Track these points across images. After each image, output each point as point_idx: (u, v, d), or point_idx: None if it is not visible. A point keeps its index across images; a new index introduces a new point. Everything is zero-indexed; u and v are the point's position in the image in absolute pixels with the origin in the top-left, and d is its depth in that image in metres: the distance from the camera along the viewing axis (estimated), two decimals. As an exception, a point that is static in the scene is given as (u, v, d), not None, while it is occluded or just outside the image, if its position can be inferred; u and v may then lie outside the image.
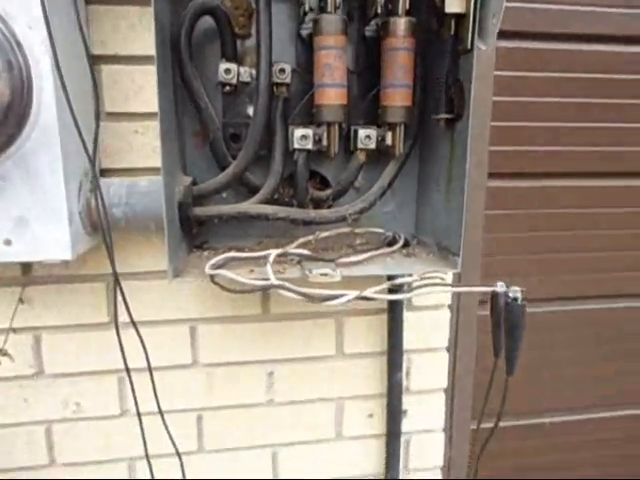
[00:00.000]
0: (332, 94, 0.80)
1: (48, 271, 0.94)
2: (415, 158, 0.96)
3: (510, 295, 0.66)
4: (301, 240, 0.85)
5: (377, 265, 0.83)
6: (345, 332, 1.06)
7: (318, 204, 0.93)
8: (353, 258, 0.82)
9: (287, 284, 0.71)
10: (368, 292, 0.66)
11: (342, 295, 0.66)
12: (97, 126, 0.71)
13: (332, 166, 0.94)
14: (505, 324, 0.69)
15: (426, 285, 0.67)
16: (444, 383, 1.13)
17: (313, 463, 1.12)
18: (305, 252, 0.82)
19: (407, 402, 1.12)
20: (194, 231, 0.87)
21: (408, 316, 1.06)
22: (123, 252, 0.94)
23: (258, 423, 1.07)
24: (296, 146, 0.84)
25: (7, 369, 0.97)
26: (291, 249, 0.81)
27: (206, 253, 0.90)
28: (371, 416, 1.12)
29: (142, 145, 0.91)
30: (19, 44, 0.69)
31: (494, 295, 0.70)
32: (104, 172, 0.91)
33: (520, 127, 1.33)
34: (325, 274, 0.74)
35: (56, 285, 0.94)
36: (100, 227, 0.73)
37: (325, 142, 0.84)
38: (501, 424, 0.77)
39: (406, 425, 1.13)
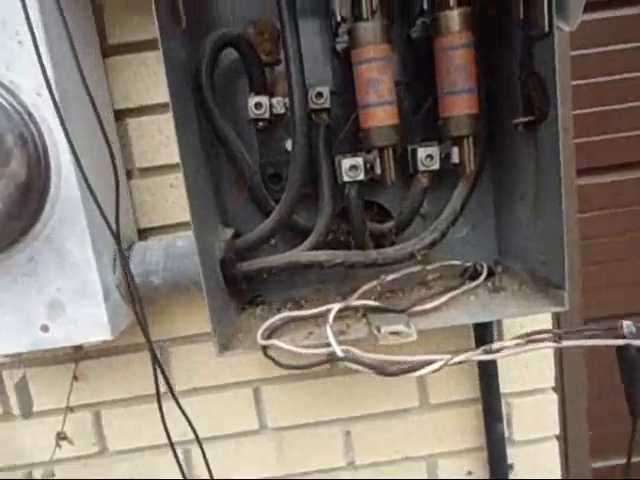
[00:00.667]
0: (380, 114, 0.67)
1: (98, 344, 0.88)
2: (487, 171, 0.80)
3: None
4: (364, 288, 0.72)
5: (459, 310, 0.68)
6: (428, 378, 0.91)
7: (379, 239, 0.80)
8: (429, 305, 0.68)
9: (354, 352, 0.58)
10: (459, 358, 0.52)
11: (426, 363, 0.52)
12: (117, 195, 0.63)
13: (391, 194, 0.81)
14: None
15: (531, 342, 0.51)
16: (555, 429, 0.94)
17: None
18: (370, 303, 0.69)
19: (512, 455, 0.94)
20: (243, 288, 0.77)
21: (501, 355, 0.90)
22: (171, 315, 0.87)
23: (340, 490, 0.95)
24: (346, 179, 0.72)
25: (70, 449, 0.92)
26: (353, 301, 0.69)
27: (259, 310, 0.80)
28: (470, 474, 0.95)
29: (178, 198, 0.83)
30: (30, 114, 0.63)
31: (621, 347, 0.53)
32: (142, 232, 0.84)
33: (608, 112, 1.13)
34: (397, 332, 0.61)
35: (107, 358, 0.88)
36: (132, 301, 0.64)
37: (379, 170, 0.72)
38: None
39: (514, 482, 0.95)
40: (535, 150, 0.66)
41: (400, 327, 0.62)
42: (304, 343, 0.64)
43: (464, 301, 0.71)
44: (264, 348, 0.63)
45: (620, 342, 0.51)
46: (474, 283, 0.75)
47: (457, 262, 0.80)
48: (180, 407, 0.72)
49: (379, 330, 0.62)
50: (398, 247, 0.74)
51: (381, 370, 0.54)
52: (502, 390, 0.91)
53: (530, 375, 0.91)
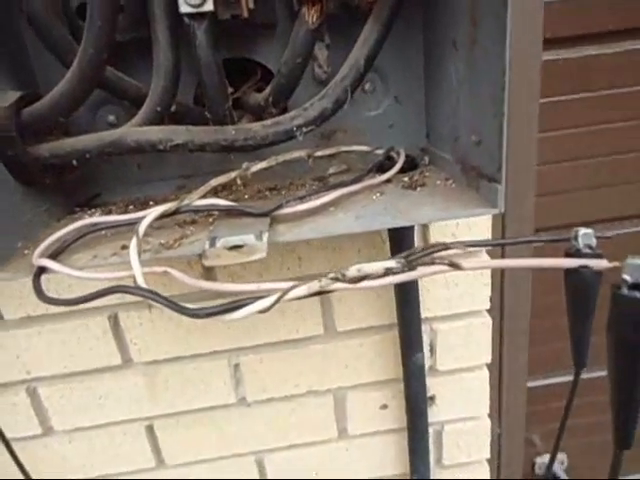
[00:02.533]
0: None
1: None
2: (416, 16, 0.55)
3: (627, 278, 0.28)
4: (216, 181, 0.49)
5: (349, 214, 0.46)
6: (334, 301, 0.73)
7: (258, 115, 0.56)
8: (305, 205, 0.45)
9: (178, 277, 0.37)
10: (300, 289, 0.31)
11: (251, 299, 0.31)
12: None
13: (274, 46, 0.56)
14: (614, 331, 0.33)
15: (436, 262, 0.30)
16: (486, 357, 0.79)
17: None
18: (220, 202, 0.46)
19: (434, 385, 0.80)
20: (47, 182, 0.52)
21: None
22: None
23: (232, 430, 0.79)
24: (184, 9, 0.46)
25: None
26: (195, 201, 0.46)
27: (88, 216, 0.56)
28: (385, 407, 0.81)
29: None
30: None
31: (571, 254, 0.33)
32: None
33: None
34: (239, 246, 0.39)
35: None
36: None
37: (232, -8, 0.45)
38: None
39: (435, 414, 0.82)
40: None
41: (246, 238, 0.40)
42: (106, 262, 0.42)
43: (363, 201, 0.49)
44: (39, 271, 0.41)
45: (568, 263, 0.30)
46: (382, 176, 0.52)
47: (364, 147, 0.57)
48: None
49: (213, 243, 0.40)
50: (269, 122, 0.50)
51: (184, 310, 0.32)
52: (425, 314, 0.73)
53: (460, 295, 0.73)
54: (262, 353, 0.75)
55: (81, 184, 0.61)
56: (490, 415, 0.84)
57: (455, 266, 0.28)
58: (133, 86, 0.52)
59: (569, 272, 0.35)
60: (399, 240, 0.63)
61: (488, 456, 0.87)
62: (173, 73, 0.50)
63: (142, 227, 0.41)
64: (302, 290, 0.30)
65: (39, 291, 0.38)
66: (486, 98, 0.42)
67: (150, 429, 0.79)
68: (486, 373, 0.80)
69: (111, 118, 0.60)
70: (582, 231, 0.37)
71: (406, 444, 0.81)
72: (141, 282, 0.36)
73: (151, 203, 0.59)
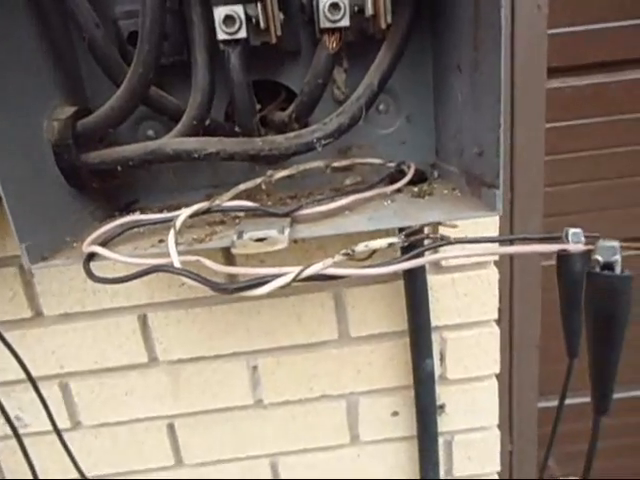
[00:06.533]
0: None
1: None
2: (426, 40, 0.61)
3: (599, 258, 0.33)
4: (242, 186, 0.54)
5: (362, 216, 0.51)
6: (348, 308, 0.77)
7: (282, 131, 0.62)
8: (323, 207, 0.51)
9: (203, 262, 0.42)
10: (316, 266, 0.35)
11: (271, 277, 0.36)
12: None
13: (297, 70, 0.62)
14: (589, 307, 0.36)
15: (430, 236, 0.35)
16: (495, 367, 0.81)
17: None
18: (245, 203, 0.51)
19: (444, 394, 0.82)
20: (94, 186, 0.59)
21: (436, 281, 0.75)
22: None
23: (248, 432, 0.83)
24: (222, 37, 0.53)
25: None
26: (224, 202, 0.51)
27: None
28: (396, 414, 0.84)
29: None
30: None
31: (563, 256, 0.37)
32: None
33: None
34: (263, 239, 0.44)
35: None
36: None
37: (263, 23, 0.52)
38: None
39: (445, 423, 0.84)
40: (474, -8, 0.47)
41: (270, 232, 0.45)
42: (146, 252, 0.48)
43: (375, 206, 0.55)
44: (89, 257, 0.47)
45: (555, 247, 0.35)
46: (394, 186, 0.58)
47: (377, 160, 0.62)
48: (3, 339, 0.56)
49: (241, 236, 0.45)
50: (292, 135, 0.56)
51: (214, 286, 0.37)
52: (435, 322, 0.77)
53: (469, 304, 0.77)
54: (279, 356, 0.79)
55: (121, 190, 0.67)
56: (501, 428, 0.85)
57: (445, 239, 0.33)
58: (172, 103, 0.59)
59: (558, 264, 0.39)
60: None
61: (499, 469, 0.88)
62: (209, 91, 0.56)
63: (179, 221, 0.47)
64: (317, 267, 0.35)
65: (90, 273, 0.44)
66: (486, 113, 0.47)
67: (171, 427, 0.83)
68: (495, 383, 0.82)
69: (150, 132, 0.66)
70: (572, 230, 0.41)
71: (416, 452, 0.83)
72: (177, 264, 0.41)
73: (183, 209, 0.65)
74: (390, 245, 0.33)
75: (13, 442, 0.82)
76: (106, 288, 0.73)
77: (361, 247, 0.34)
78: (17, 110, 0.49)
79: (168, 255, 0.44)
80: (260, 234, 0.45)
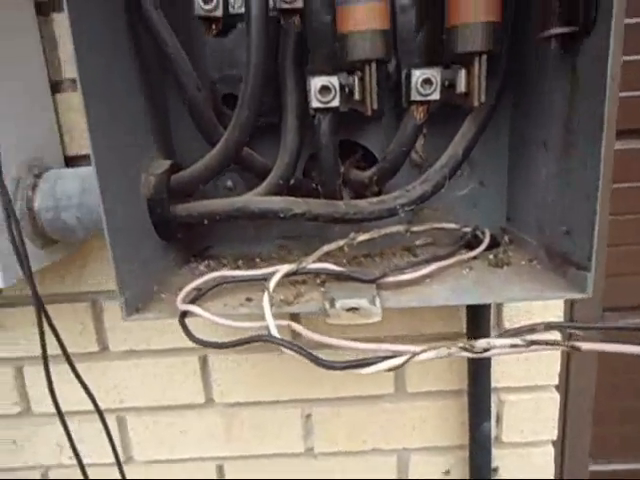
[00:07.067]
0: (363, 13, 0.49)
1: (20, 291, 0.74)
2: (505, 109, 0.63)
3: None
4: (326, 248, 0.56)
5: (445, 286, 0.52)
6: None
7: (359, 190, 0.64)
8: (407, 275, 0.52)
9: (298, 329, 0.44)
10: (427, 355, 0.36)
11: (380, 358, 0.37)
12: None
13: (378, 133, 0.64)
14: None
15: (534, 344, 0.35)
16: (552, 434, 0.79)
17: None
18: (331, 267, 0.53)
19: (498, 457, 0.81)
20: (179, 236, 0.61)
21: (498, 343, 0.74)
22: (103, 263, 0.72)
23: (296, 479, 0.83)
24: (315, 105, 0.55)
25: (-11, 407, 0.80)
26: (309, 264, 0.53)
27: (203, 266, 0.65)
28: (448, 473, 0.82)
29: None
30: None
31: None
32: (71, 160, 0.69)
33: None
34: (356, 309, 0.45)
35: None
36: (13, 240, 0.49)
37: (358, 94, 0.54)
38: None
39: (497, 487, 0.82)
40: (571, 76, 0.48)
41: (361, 302, 0.46)
42: (236, 312, 0.49)
43: (455, 275, 0.55)
44: (183, 314, 0.48)
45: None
46: (471, 253, 0.58)
47: (453, 225, 0.63)
48: (75, 370, 0.58)
49: (333, 304, 0.47)
50: (375, 200, 0.57)
51: (320, 362, 0.38)
52: (494, 384, 0.76)
53: (529, 369, 0.76)
54: (334, 407, 0.79)
55: (197, 237, 0.70)
56: (553, 494, 0.83)
57: (575, 348, 0.33)
58: (259, 161, 0.62)
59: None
60: (476, 313, 0.68)
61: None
62: (297, 153, 0.59)
63: (272, 284, 0.48)
64: (430, 354, 0.36)
65: (188, 332, 0.45)
66: (580, 195, 0.48)
67: (220, 469, 0.83)
68: (552, 450, 0.80)
69: (229, 183, 0.69)
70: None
71: (466, 514, 0.81)
72: (275, 333, 0.43)
73: (257, 260, 0.66)
74: (513, 346, 0.34)
75: (64, 471, 0.84)
76: (172, 329, 0.75)
77: (483, 344, 0.34)
78: (121, 162, 0.52)
79: (261, 316, 0.46)
80: (352, 303, 0.46)
